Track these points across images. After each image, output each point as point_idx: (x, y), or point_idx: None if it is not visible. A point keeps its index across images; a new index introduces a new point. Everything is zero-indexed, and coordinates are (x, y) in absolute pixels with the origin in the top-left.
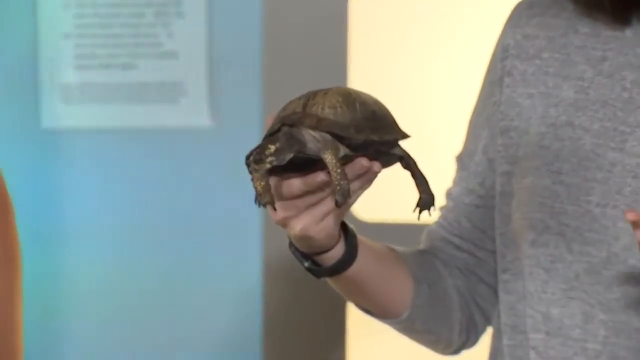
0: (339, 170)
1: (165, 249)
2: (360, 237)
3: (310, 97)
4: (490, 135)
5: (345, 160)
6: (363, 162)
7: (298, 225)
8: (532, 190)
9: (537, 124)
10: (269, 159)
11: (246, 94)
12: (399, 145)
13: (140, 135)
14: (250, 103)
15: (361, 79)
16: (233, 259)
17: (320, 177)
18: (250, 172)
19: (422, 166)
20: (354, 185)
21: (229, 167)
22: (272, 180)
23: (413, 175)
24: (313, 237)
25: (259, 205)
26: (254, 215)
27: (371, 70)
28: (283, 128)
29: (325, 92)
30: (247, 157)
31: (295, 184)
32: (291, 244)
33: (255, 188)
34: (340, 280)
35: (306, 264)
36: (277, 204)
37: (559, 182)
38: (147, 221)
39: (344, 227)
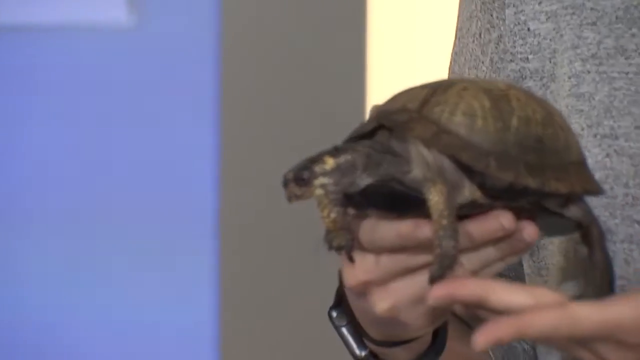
0: (445, 223)
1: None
2: None
3: (437, 90)
4: None
5: (472, 210)
6: (501, 218)
7: (385, 302)
8: None
9: (567, 61)
10: (319, 180)
11: None
12: (579, 205)
13: (25, 35)
14: None
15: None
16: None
17: (423, 230)
18: (289, 198)
19: None
20: (487, 254)
21: (159, 86)
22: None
23: (591, 255)
24: (405, 323)
25: (329, 249)
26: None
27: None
28: (380, 132)
29: (465, 86)
30: (286, 174)
31: (381, 230)
32: (339, 313)
33: (323, 220)
34: None
35: (363, 354)
36: (357, 256)
37: (618, 152)
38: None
39: None
